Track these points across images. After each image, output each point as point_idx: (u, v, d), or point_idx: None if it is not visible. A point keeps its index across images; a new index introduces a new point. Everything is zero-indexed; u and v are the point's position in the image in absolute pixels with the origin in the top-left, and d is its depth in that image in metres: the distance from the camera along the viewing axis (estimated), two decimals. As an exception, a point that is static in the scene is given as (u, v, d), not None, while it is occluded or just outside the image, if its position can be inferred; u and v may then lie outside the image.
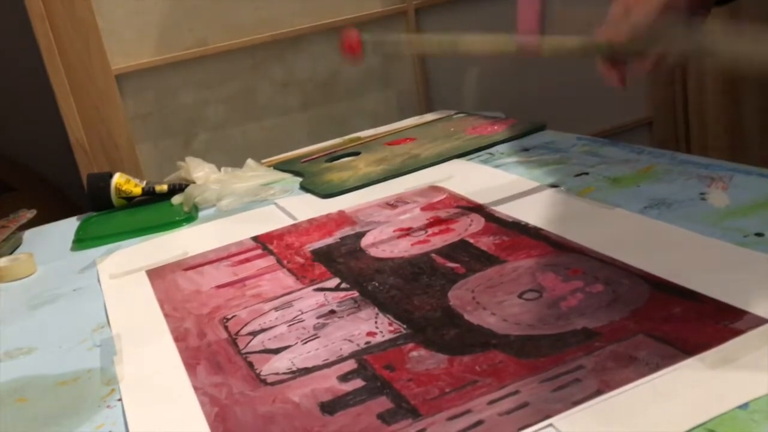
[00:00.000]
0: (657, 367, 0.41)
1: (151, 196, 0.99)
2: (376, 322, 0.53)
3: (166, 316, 0.61)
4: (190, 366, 0.52)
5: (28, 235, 0.95)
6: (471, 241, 0.65)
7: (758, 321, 0.44)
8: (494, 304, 0.53)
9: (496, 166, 0.86)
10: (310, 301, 0.59)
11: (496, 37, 0.64)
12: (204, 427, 0.44)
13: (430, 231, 0.69)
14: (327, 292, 0.60)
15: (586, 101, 1.67)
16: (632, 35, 0.64)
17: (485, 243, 0.64)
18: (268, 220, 0.82)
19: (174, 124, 1.39)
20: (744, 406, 0.37)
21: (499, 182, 0.80)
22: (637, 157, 0.79)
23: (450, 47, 0.64)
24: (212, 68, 1.39)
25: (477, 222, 0.69)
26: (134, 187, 0.98)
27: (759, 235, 0.55)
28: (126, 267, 0.75)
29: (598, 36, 0.66)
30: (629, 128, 1.74)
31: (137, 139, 1.36)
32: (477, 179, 0.83)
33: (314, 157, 1.06)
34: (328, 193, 0.87)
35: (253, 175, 0.98)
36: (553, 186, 0.75)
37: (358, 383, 0.46)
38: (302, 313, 0.57)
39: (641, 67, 0.65)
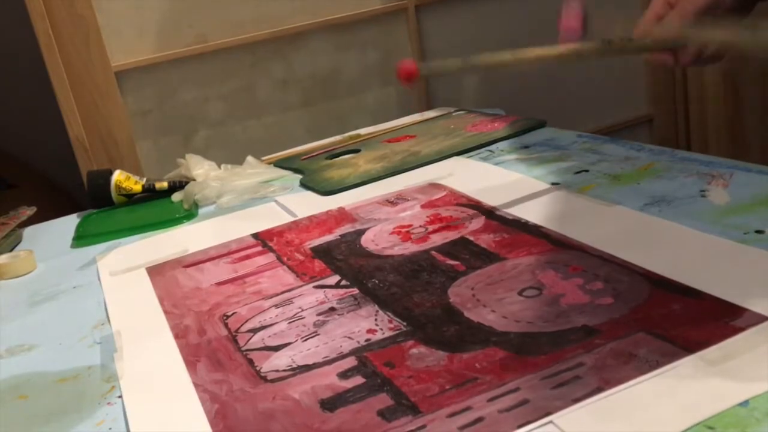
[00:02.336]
0: (657, 365, 0.41)
1: (151, 193, 0.99)
2: (376, 320, 0.53)
3: (166, 313, 0.62)
4: (190, 363, 0.52)
5: (28, 232, 0.95)
6: (471, 238, 0.65)
7: (758, 318, 0.44)
8: (494, 301, 0.53)
9: (497, 164, 0.86)
10: (310, 298, 0.59)
11: (550, 47, 0.66)
12: (204, 424, 0.44)
13: (430, 228, 0.69)
14: (327, 290, 0.60)
15: (586, 98, 1.67)
16: (678, 30, 0.64)
17: (485, 240, 0.64)
18: (268, 217, 0.82)
19: (174, 121, 1.39)
20: (744, 404, 0.37)
21: (500, 180, 0.80)
22: (637, 154, 0.79)
23: (505, 61, 0.66)
24: (212, 65, 1.38)
25: (477, 219, 0.69)
26: (134, 184, 0.98)
27: (759, 232, 0.55)
28: (126, 264, 0.75)
29: (641, 32, 0.66)
30: (630, 125, 1.74)
31: (137, 136, 1.36)
32: (477, 176, 0.83)
33: (314, 154, 1.06)
34: (328, 190, 0.87)
35: (253, 172, 0.98)
36: (553, 183, 0.75)
37: (358, 380, 0.46)
38: (302, 311, 0.57)
39: (686, 59, 0.66)
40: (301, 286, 0.62)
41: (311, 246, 0.71)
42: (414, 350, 0.48)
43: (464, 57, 0.65)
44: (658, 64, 0.70)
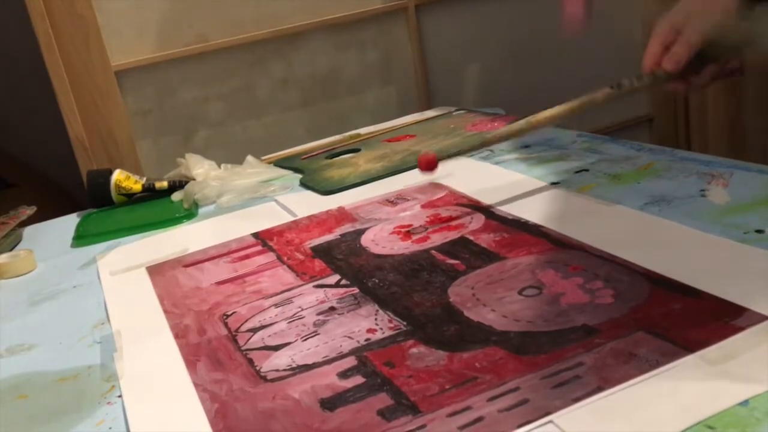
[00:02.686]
0: (657, 364, 0.41)
1: (151, 193, 0.99)
2: (376, 319, 0.53)
3: (166, 312, 0.61)
4: (190, 362, 0.52)
5: (28, 231, 0.95)
6: (471, 238, 0.65)
7: (758, 318, 0.44)
8: (494, 300, 0.53)
9: (497, 163, 0.86)
10: (310, 297, 0.59)
11: (561, 106, 0.68)
12: (204, 424, 0.44)
13: (430, 228, 0.69)
14: (327, 289, 0.60)
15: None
16: (685, 59, 0.65)
17: (485, 240, 0.64)
18: (268, 216, 0.82)
19: (174, 120, 1.39)
20: (744, 403, 0.37)
21: (500, 179, 0.80)
22: (637, 154, 0.79)
23: (519, 130, 0.69)
24: (212, 65, 1.38)
25: (477, 219, 0.69)
26: (134, 183, 0.98)
27: (759, 231, 0.55)
28: (126, 264, 0.75)
29: (650, 65, 0.67)
30: (630, 125, 1.74)
31: (137, 135, 1.36)
32: (477, 176, 0.83)
33: (314, 153, 1.06)
34: (328, 189, 0.87)
35: (253, 171, 0.98)
36: (553, 183, 0.75)
37: (358, 380, 0.46)
38: (302, 310, 0.57)
39: (703, 81, 0.67)
40: (301, 285, 0.62)
41: (311, 245, 0.71)
42: (414, 350, 0.48)
43: (481, 134, 0.68)
44: (670, 92, 0.71)
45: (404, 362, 0.47)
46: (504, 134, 0.70)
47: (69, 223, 0.95)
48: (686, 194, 0.66)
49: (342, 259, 0.66)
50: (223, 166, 1.00)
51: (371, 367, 0.47)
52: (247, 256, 0.71)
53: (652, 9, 0.69)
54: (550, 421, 0.38)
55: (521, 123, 0.69)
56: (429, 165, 0.70)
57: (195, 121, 1.40)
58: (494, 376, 0.43)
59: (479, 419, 0.40)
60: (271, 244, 0.73)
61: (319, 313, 0.56)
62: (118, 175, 0.98)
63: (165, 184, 0.98)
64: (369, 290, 0.59)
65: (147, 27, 1.33)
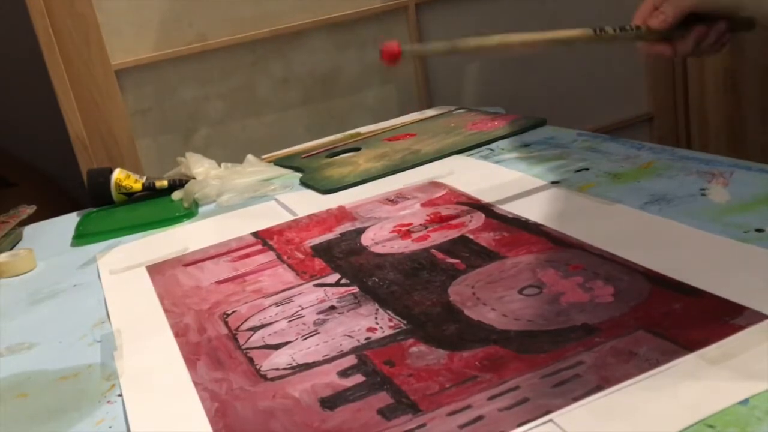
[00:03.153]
0: (657, 363, 0.41)
1: (151, 192, 0.99)
2: (376, 318, 0.53)
3: (166, 311, 0.62)
4: (191, 361, 0.52)
5: (28, 230, 0.96)
6: (471, 236, 0.65)
7: (759, 317, 0.44)
8: (494, 299, 0.53)
9: (497, 162, 0.86)
10: (310, 296, 0.59)
11: (539, 32, 0.64)
12: (204, 423, 0.44)
13: (430, 227, 0.69)
14: (327, 288, 0.60)
15: (586, 97, 1.67)
16: (673, 20, 0.64)
17: (485, 239, 0.64)
18: (268, 215, 0.82)
19: (174, 119, 1.39)
20: (744, 402, 0.37)
21: (500, 178, 0.80)
22: (637, 152, 0.79)
23: (492, 45, 0.64)
24: (212, 64, 1.38)
25: (477, 218, 0.69)
26: (134, 182, 0.98)
27: (759, 231, 0.55)
28: (126, 262, 0.75)
29: (638, 21, 0.66)
30: (630, 124, 1.74)
31: (137, 134, 1.36)
32: (477, 175, 0.83)
33: (314, 152, 1.06)
34: (328, 188, 0.87)
35: (253, 170, 0.98)
36: (553, 182, 0.75)
37: (358, 379, 0.46)
38: (302, 309, 0.57)
39: (685, 48, 0.66)
40: (301, 284, 0.62)
41: (311, 244, 0.71)
42: (414, 348, 0.48)
43: (451, 39, 0.64)
44: (656, 55, 0.70)
45: (404, 361, 0.47)
46: (474, 45, 0.66)
47: (69, 222, 0.95)
48: (686, 193, 0.65)
49: (342, 258, 0.66)
50: (223, 165, 1.00)
51: (371, 366, 0.47)
52: (247, 255, 0.71)
53: None
54: (550, 420, 0.38)
55: (495, 38, 0.65)
56: (392, 56, 0.63)
57: (195, 120, 1.40)
58: (494, 375, 0.43)
59: (479, 418, 0.40)
60: (271, 243, 0.73)
61: (319, 312, 0.56)
62: (118, 174, 0.98)
63: (165, 183, 0.98)
64: (369, 289, 0.59)
65: (147, 26, 1.33)
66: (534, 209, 0.68)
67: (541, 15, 1.57)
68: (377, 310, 0.55)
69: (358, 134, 1.14)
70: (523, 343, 0.46)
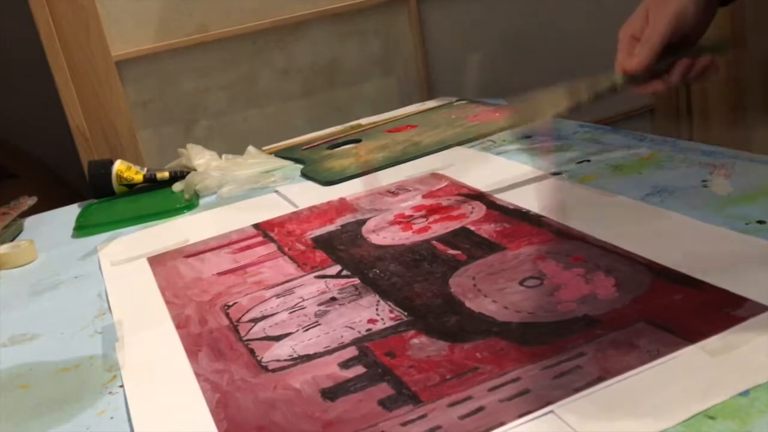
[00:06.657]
0: (658, 355, 0.41)
1: (152, 183, 0.98)
2: (377, 309, 0.53)
3: (167, 302, 0.62)
4: (192, 353, 0.52)
5: (29, 222, 0.96)
6: (472, 228, 0.65)
7: (759, 308, 0.44)
8: (495, 291, 0.53)
9: (498, 154, 0.86)
10: (311, 288, 0.59)
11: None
12: (205, 414, 0.44)
13: (431, 218, 0.69)
14: (328, 279, 0.60)
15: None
16: (647, 61, 0.64)
17: (486, 230, 0.64)
18: (269, 207, 0.82)
19: (175, 111, 1.39)
20: (745, 393, 0.37)
21: (501, 170, 0.80)
22: (639, 144, 0.79)
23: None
24: (213, 55, 1.38)
25: (478, 209, 0.69)
26: (135, 174, 0.98)
27: (761, 222, 0.55)
28: (127, 254, 0.75)
29: (618, 69, 0.67)
30: (631, 115, 1.74)
31: (138, 126, 1.36)
32: (478, 166, 0.82)
33: (315, 144, 1.06)
34: (329, 180, 0.87)
35: (254, 162, 0.98)
36: (554, 173, 0.74)
37: (359, 370, 0.46)
38: (303, 300, 0.57)
39: (666, 83, 0.66)
40: (302, 276, 0.62)
41: (312, 236, 0.71)
42: (415, 340, 0.48)
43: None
44: (653, 93, 0.71)
45: (405, 352, 0.47)
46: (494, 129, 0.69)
47: (70, 213, 0.95)
48: (688, 185, 0.65)
49: (343, 249, 0.66)
50: (224, 156, 1.00)
51: (372, 357, 0.47)
52: (248, 247, 0.71)
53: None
54: (551, 411, 0.39)
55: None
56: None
57: (196, 111, 1.40)
58: (495, 367, 0.43)
59: (480, 409, 0.40)
60: (272, 234, 0.73)
61: (320, 304, 0.56)
62: (119, 166, 0.98)
63: (166, 174, 0.98)
64: (370, 281, 0.59)
65: (147, 17, 1.33)
66: (535, 201, 0.68)
67: (542, 6, 1.57)
68: (378, 301, 0.55)
69: (359, 126, 1.13)
70: (524, 335, 0.46)
